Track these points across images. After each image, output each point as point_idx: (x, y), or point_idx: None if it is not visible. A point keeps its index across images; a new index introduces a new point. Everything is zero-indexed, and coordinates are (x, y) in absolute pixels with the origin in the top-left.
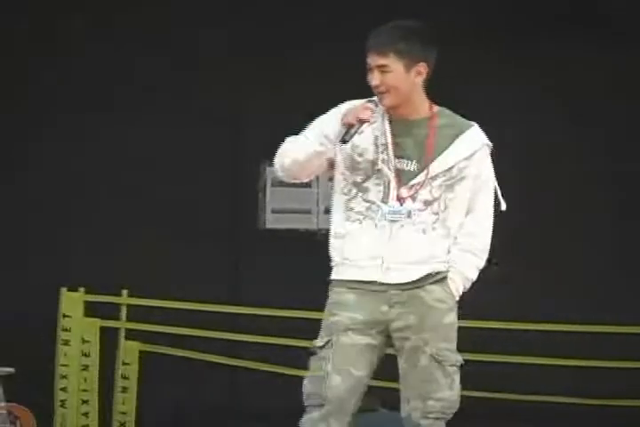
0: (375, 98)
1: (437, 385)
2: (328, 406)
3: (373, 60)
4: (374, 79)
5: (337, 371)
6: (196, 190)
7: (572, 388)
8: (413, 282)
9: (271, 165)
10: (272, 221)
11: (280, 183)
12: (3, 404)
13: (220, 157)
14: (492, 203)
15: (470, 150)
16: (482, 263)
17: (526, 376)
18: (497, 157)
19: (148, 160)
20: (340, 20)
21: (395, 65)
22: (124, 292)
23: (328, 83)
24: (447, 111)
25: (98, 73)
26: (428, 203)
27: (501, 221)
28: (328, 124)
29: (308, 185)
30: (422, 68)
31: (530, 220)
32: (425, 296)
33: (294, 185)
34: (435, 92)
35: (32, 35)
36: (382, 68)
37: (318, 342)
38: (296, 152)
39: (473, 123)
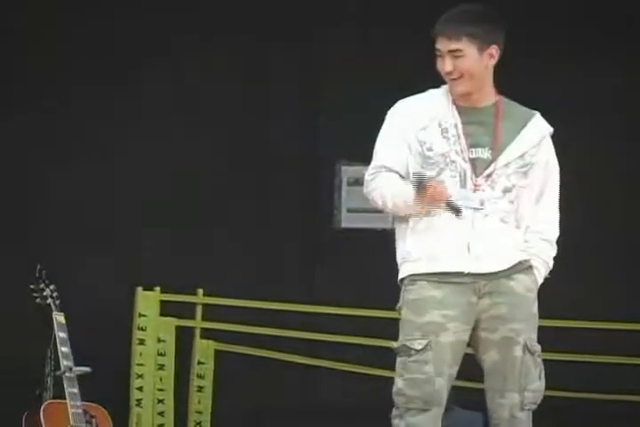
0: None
1: (532, 376)
2: (435, 409)
3: (445, 45)
4: (447, 65)
5: (439, 373)
6: (270, 190)
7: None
8: (503, 271)
9: (346, 163)
10: (348, 221)
11: (355, 182)
12: (79, 403)
13: (294, 155)
14: (558, 190)
15: (538, 137)
16: (555, 251)
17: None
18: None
19: (222, 160)
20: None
21: (468, 49)
22: (200, 291)
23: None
24: (506, 98)
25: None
26: (506, 190)
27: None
28: (394, 147)
29: None
30: (494, 50)
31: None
32: (515, 286)
33: None
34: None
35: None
36: (455, 53)
37: (416, 345)
38: (397, 199)
39: (535, 111)
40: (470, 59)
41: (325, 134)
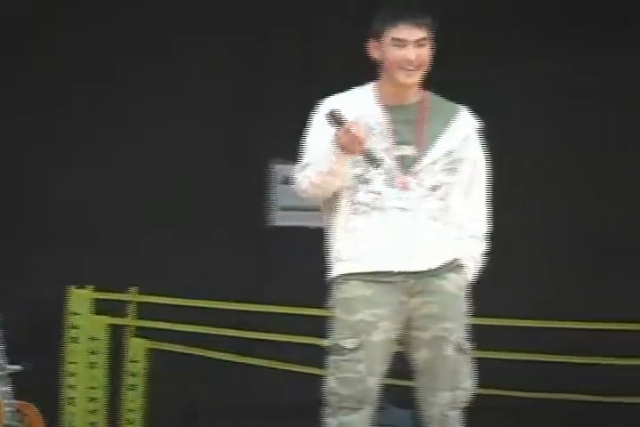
0: (335, 110)
1: (463, 375)
2: (368, 407)
3: (412, 33)
4: (411, 53)
5: (371, 372)
6: (204, 189)
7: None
8: (433, 270)
9: (279, 162)
10: (281, 219)
11: (288, 180)
12: (12, 401)
13: (227, 155)
14: (486, 186)
15: (466, 133)
16: (485, 248)
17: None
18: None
19: (158, 160)
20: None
21: (428, 39)
22: (133, 289)
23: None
24: (432, 94)
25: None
26: (434, 188)
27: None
28: (322, 144)
29: None
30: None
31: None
32: (446, 284)
33: None
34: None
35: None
36: (420, 42)
37: (348, 344)
38: (324, 180)
39: (462, 106)
40: (429, 49)
41: (256, 133)
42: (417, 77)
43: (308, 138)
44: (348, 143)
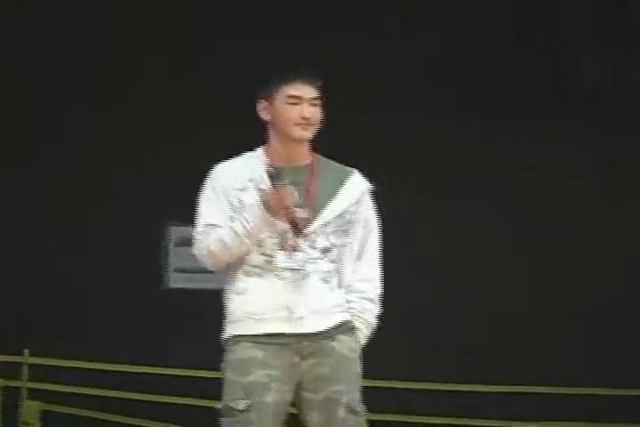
0: (270, 168)
1: None
2: None
3: (308, 91)
4: (307, 111)
5: None
6: (100, 250)
7: None
8: (324, 332)
9: (174, 224)
10: (175, 281)
11: (183, 242)
12: None
13: (121, 216)
14: (379, 247)
15: (357, 195)
16: (378, 310)
17: None
18: None
19: (58, 221)
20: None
21: (320, 99)
22: (26, 351)
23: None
24: (322, 157)
25: None
26: (325, 251)
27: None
28: (219, 207)
29: None
30: None
31: None
32: (337, 346)
33: None
34: None
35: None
36: (313, 101)
37: (239, 405)
38: (230, 249)
39: (353, 169)
40: (319, 109)
41: (151, 194)
42: (311, 133)
43: (204, 199)
44: (274, 203)
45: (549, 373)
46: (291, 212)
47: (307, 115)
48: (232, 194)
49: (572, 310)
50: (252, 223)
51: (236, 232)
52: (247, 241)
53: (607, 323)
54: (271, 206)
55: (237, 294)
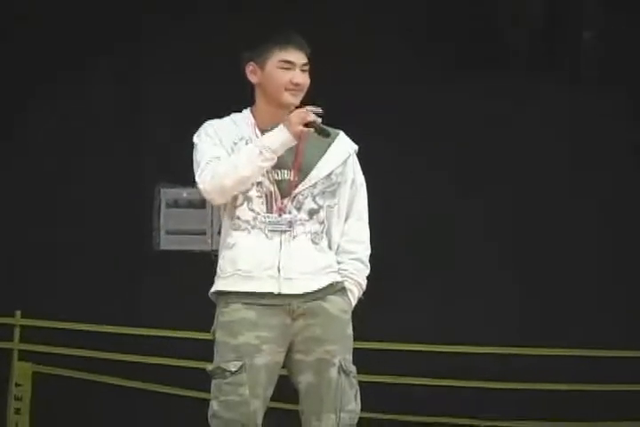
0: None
1: (347, 397)
2: None
3: (299, 57)
4: (299, 77)
5: (254, 395)
6: (91, 212)
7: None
8: (315, 292)
9: (165, 186)
10: (166, 243)
11: (174, 204)
12: None
13: (114, 178)
14: (366, 208)
15: (344, 156)
16: (368, 271)
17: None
18: None
19: (48, 181)
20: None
21: (309, 66)
22: (18, 313)
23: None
24: None
25: None
26: (313, 212)
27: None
28: (220, 145)
29: (202, 206)
30: None
31: None
32: (328, 307)
33: (188, 206)
34: None
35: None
36: (304, 67)
37: (230, 367)
38: (241, 170)
39: (338, 130)
40: (308, 75)
41: (144, 156)
42: (299, 99)
43: (200, 149)
44: (295, 117)
45: None
46: (312, 121)
47: (299, 80)
48: (227, 144)
49: None
50: (267, 143)
51: (248, 153)
52: (259, 162)
53: None
54: (292, 121)
55: (226, 248)
